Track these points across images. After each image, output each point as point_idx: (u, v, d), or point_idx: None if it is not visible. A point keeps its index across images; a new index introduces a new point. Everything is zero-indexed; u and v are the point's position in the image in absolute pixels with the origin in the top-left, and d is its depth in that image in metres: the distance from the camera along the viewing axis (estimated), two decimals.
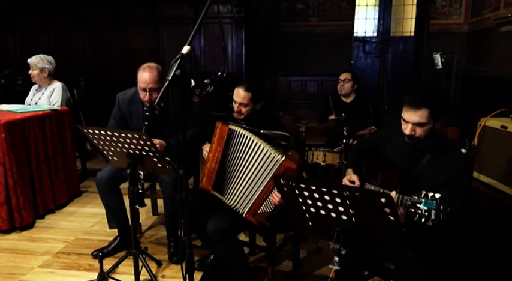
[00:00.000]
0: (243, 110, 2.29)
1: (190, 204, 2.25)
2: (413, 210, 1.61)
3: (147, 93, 2.46)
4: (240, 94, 2.27)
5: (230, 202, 2.19)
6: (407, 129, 1.78)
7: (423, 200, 1.59)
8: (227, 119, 2.35)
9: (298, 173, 2.02)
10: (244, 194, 2.14)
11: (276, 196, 2.03)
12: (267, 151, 2.04)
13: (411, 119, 1.76)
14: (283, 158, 1.99)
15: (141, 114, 2.55)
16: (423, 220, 1.58)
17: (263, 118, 2.34)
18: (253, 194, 2.11)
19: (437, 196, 1.57)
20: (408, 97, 1.79)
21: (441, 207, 1.56)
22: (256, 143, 2.07)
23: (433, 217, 1.56)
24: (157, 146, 2.40)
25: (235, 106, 2.30)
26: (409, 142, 1.82)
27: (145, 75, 2.44)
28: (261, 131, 2.15)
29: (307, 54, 6.55)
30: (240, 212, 2.15)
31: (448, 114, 4.75)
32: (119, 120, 2.69)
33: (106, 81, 5.67)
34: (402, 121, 1.81)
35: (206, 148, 2.35)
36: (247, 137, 2.10)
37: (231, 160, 2.17)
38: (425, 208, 1.57)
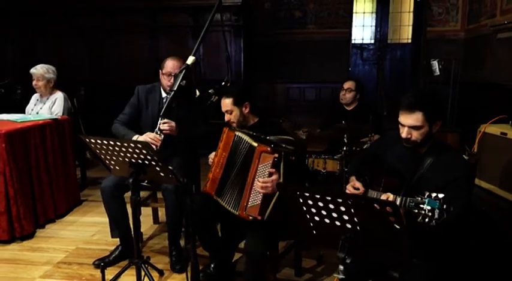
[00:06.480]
0: (231, 117, 2.33)
1: (200, 209, 2.25)
2: (416, 211, 1.60)
3: (172, 77, 2.69)
4: (224, 103, 2.34)
5: (229, 206, 2.17)
6: (403, 132, 1.80)
7: (426, 200, 1.58)
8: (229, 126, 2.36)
9: (276, 157, 1.99)
10: (237, 193, 2.13)
11: (258, 183, 1.99)
12: (248, 142, 2.10)
13: (406, 122, 1.78)
14: (256, 144, 2.05)
15: (157, 102, 2.82)
16: (427, 220, 1.57)
17: (266, 127, 2.34)
18: (243, 189, 2.10)
19: (441, 195, 1.57)
20: (403, 100, 1.80)
21: (444, 206, 1.55)
22: (248, 142, 2.11)
23: (436, 216, 1.55)
24: (170, 126, 2.52)
25: (225, 117, 2.36)
26: (407, 146, 1.83)
27: (173, 61, 2.75)
28: (267, 138, 2.16)
29: (306, 61, 6.57)
30: (236, 213, 2.12)
31: (444, 119, 4.76)
32: (135, 108, 2.86)
33: (104, 90, 5.66)
34: (399, 125, 1.82)
35: (212, 155, 2.37)
36: (249, 144, 2.12)
37: (233, 166, 2.19)
38: (429, 207, 1.56)
